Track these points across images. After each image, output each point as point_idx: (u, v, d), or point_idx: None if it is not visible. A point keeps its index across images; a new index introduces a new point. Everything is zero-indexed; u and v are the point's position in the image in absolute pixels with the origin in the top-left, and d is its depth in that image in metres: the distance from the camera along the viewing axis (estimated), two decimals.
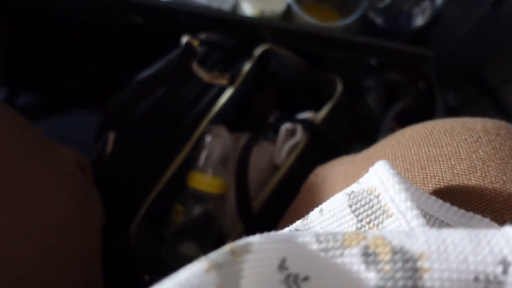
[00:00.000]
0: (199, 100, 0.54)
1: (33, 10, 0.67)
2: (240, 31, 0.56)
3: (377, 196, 0.20)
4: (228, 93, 0.54)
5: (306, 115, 0.56)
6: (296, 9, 0.52)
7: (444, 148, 0.24)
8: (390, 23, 0.55)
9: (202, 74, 0.53)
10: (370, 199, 0.21)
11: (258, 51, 0.57)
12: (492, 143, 0.23)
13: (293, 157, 0.52)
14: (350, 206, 0.21)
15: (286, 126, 0.54)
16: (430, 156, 0.24)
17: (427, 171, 0.24)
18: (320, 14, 0.59)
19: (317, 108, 0.58)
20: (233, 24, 0.55)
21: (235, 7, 0.55)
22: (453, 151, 0.24)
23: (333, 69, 0.63)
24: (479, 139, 0.24)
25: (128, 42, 0.69)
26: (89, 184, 0.37)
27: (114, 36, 0.69)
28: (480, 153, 0.23)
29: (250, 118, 0.62)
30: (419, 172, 0.24)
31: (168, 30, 0.56)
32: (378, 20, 0.55)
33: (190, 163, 0.51)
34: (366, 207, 0.21)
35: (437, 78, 0.72)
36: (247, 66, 0.56)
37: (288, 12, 0.58)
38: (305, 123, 0.53)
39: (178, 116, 0.51)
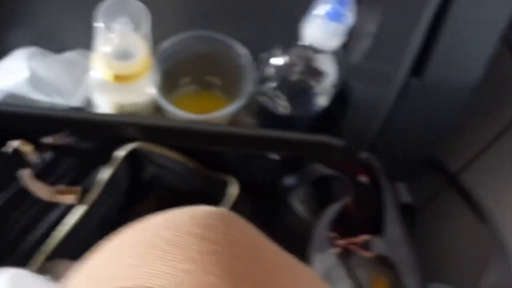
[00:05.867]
0: (34, 227, 0.42)
1: None
2: (96, 132, 0.45)
3: None
4: (78, 213, 0.42)
5: None
6: (161, 101, 0.40)
7: None
8: (290, 107, 0.43)
9: (40, 190, 0.42)
10: None
11: (121, 153, 0.44)
12: None
13: None
14: None
15: None
16: None
17: None
18: (205, 102, 0.48)
19: None
20: (84, 125, 0.43)
21: (87, 101, 0.44)
22: None
23: (233, 168, 0.49)
24: None
25: None
26: None
27: None
28: None
29: None
30: None
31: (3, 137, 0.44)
32: (270, 105, 0.42)
33: None
34: None
35: (384, 168, 0.58)
36: (106, 174, 0.43)
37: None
38: None
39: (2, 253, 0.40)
